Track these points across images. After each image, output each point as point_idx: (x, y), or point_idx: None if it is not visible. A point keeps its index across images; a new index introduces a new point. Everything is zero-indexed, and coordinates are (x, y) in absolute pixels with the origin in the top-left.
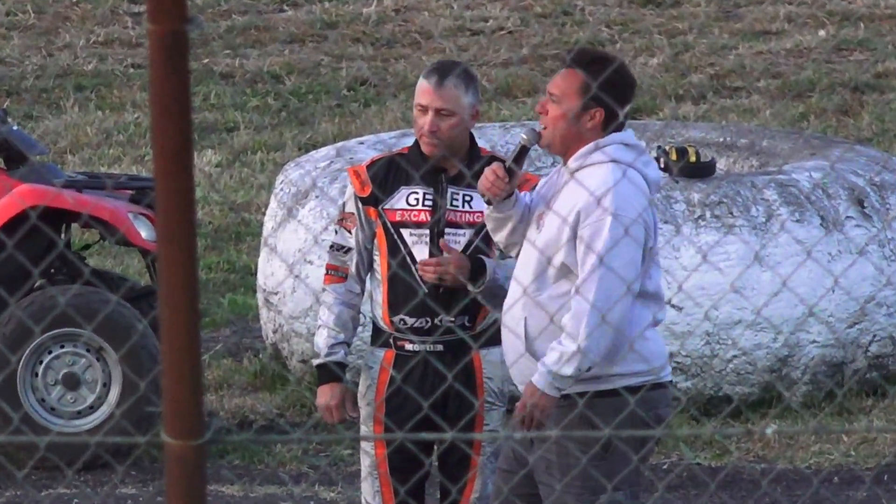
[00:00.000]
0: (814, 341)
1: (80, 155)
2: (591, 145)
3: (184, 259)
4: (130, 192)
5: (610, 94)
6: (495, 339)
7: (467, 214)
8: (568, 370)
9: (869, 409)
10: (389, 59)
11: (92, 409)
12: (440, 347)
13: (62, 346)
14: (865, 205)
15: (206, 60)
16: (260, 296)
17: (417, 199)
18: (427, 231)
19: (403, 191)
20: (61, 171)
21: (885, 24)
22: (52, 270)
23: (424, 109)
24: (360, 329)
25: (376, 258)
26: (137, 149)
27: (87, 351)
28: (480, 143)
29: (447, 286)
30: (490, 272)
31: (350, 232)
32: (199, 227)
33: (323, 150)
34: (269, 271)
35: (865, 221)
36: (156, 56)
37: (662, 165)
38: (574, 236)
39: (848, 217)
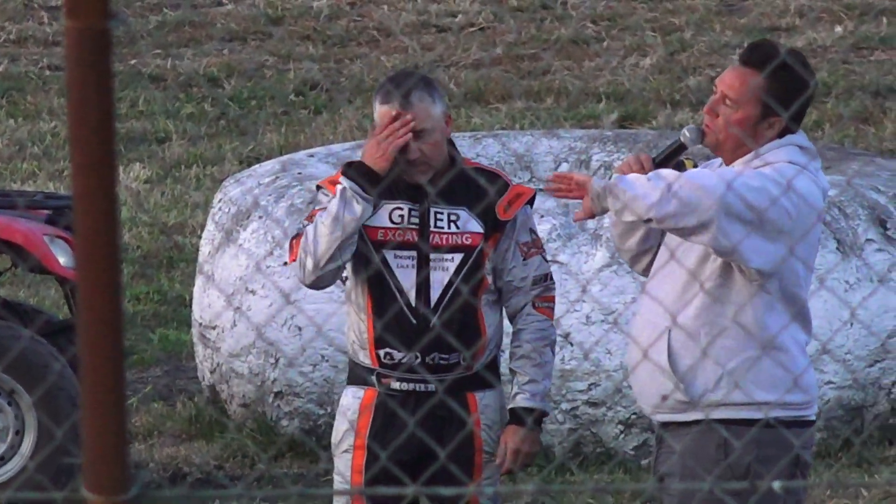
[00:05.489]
0: (829, 382)
1: None
2: (756, 151)
3: (107, 289)
4: (46, 211)
5: (790, 101)
6: (492, 382)
7: (454, 236)
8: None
9: (892, 459)
10: (343, 59)
11: (2, 460)
12: (431, 388)
13: None
14: (888, 226)
15: (132, 61)
16: (195, 331)
17: (402, 217)
18: (414, 253)
19: (386, 206)
20: None
21: None
22: None
23: None
24: (329, 368)
25: (357, 285)
26: (54, 162)
27: None
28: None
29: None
30: (549, 410)
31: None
32: (126, 253)
33: (267, 164)
34: (205, 303)
35: (888, 245)
36: (74, 56)
37: None
38: None
39: (868, 240)
